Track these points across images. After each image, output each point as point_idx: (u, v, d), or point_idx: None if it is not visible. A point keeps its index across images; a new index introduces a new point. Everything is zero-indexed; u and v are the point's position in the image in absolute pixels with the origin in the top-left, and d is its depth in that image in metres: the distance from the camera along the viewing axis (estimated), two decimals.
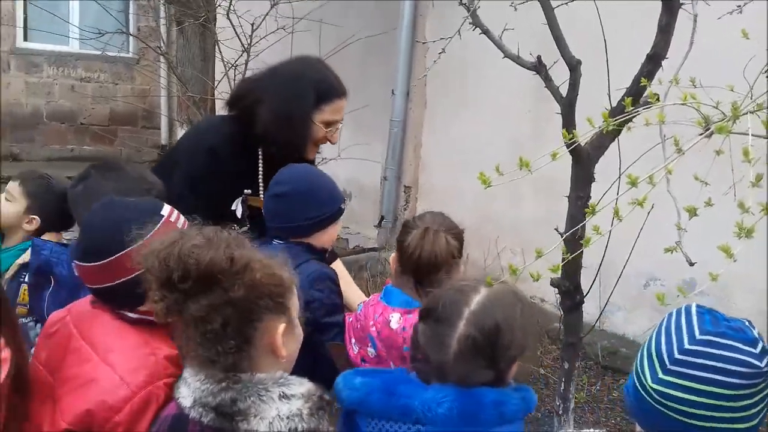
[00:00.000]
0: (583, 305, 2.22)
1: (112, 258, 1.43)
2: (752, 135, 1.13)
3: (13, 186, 2.34)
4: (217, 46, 4.84)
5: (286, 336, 1.27)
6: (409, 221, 1.96)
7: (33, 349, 1.63)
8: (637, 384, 1.26)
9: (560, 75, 2.04)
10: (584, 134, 1.60)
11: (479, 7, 2.07)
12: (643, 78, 1.78)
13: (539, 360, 3.74)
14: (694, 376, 1.19)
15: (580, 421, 3.41)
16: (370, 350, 1.93)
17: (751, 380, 1.18)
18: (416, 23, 5.16)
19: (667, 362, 1.21)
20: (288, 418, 1.17)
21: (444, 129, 5.13)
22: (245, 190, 2.41)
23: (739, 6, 1.85)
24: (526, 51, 2.08)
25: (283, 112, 2.29)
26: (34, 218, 2.33)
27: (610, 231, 1.36)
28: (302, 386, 1.23)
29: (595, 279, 2.49)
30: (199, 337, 1.21)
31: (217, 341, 1.20)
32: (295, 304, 1.32)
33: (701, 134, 1.30)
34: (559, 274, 1.70)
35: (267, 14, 4.47)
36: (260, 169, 2.42)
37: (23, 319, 2.13)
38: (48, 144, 8.68)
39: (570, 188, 2.06)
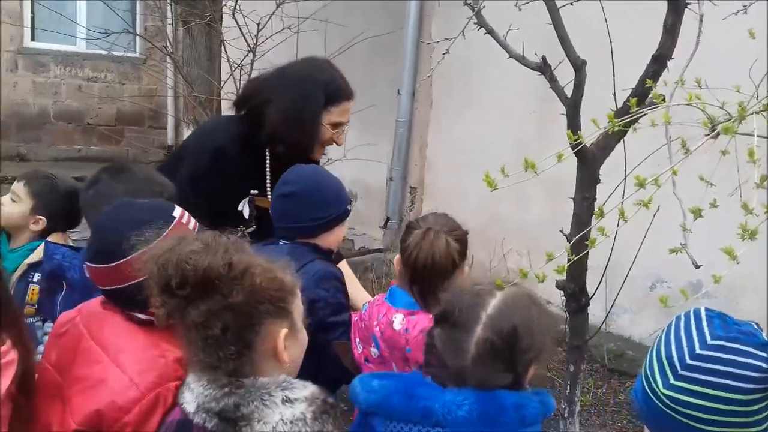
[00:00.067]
0: (589, 307, 2.21)
1: (122, 260, 1.44)
2: (757, 136, 1.13)
3: (18, 187, 2.35)
4: (222, 46, 4.85)
5: (288, 340, 1.26)
6: (411, 222, 1.95)
7: (40, 347, 1.64)
8: (647, 389, 1.26)
9: (565, 75, 2.03)
10: (589, 135, 1.60)
11: (484, 6, 2.07)
12: (648, 79, 1.77)
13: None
14: (706, 382, 1.18)
15: (586, 424, 3.40)
16: (374, 350, 1.93)
17: (763, 384, 1.18)
18: (422, 23, 5.16)
19: (678, 368, 1.21)
20: (291, 422, 1.16)
21: (449, 129, 5.13)
22: (252, 191, 2.42)
23: (744, 6, 1.84)
24: (531, 51, 2.07)
25: (292, 113, 2.29)
26: (40, 218, 2.34)
27: (616, 232, 1.35)
28: (306, 390, 1.22)
29: (601, 281, 2.48)
30: (200, 343, 1.21)
31: (217, 346, 1.19)
32: (298, 307, 1.31)
33: (707, 135, 1.29)
34: (563, 275, 1.69)
35: (273, 14, 4.48)
36: (267, 169, 2.43)
37: (31, 319, 2.14)
38: (55, 144, 8.72)
39: (575, 189, 2.06)
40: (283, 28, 4.48)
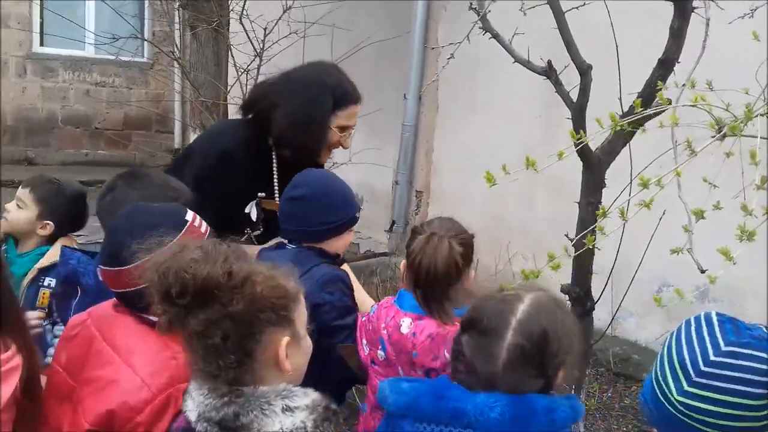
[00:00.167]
0: (595, 311, 2.21)
1: (135, 263, 1.45)
2: (761, 138, 1.13)
3: (24, 193, 2.37)
4: (229, 51, 4.88)
5: (291, 348, 1.25)
6: (417, 227, 1.95)
7: (51, 349, 1.65)
8: (659, 394, 1.26)
9: (571, 80, 2.04)
10: (593, 135, 1.60)
11: (490, 11, 2.07)
12: (659, 81, 1.76)
13: None
14: (720, 388, 1.19)
15: (591, 429, 3.39)
16: (380, 353, 1.93)
17: None
18: (428, 27, 5.17)
19: (692, 374, 1.21)
20: (292, 431, 1.16)
21: (455, 133, 5.13)
22: (259, 194, 2.43)
23: (751, 9, 1.83)
24: (537, 55, 2.07)
25: (300, 117, 2.30)
26: (48, 223, 2.36)
27: (622, 234, 1.35)
28: (306, 398, 1.21)
29: (606, 284, 2.48)
30: (201, 351, 1.20)
31: (218, 355, 1.19)
32: (301, 315, 1.29)
33: (714, 136, 1.29)
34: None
35: (279, 19, 4.50)
36: (275, 172, 2.44)
37: (41, 323, 2.16)
38: (63, 148, 8.78)
39: (581, 194, 2.06)
40: (290, 33, 4.50)
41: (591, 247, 1.39)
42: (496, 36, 2.09)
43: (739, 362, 1.19)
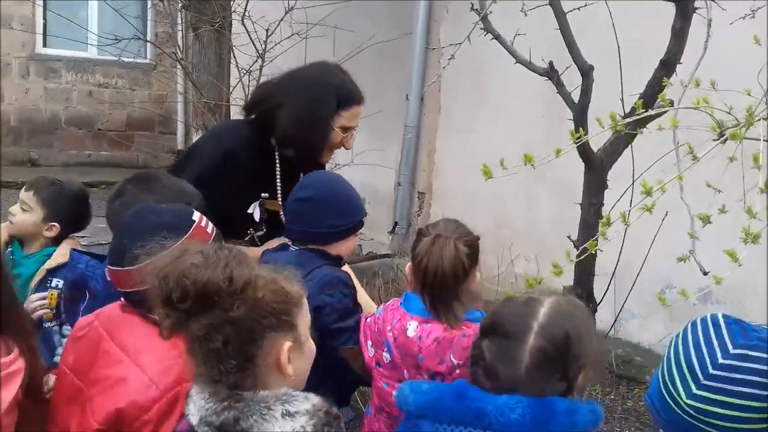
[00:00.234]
0: (597, 313, 2.21)
1: (142, 264, 1.45)
2: (764, 140, 1.13)
3: (27, 196, 2.38)
4: (232, 52, 4.88)
5: (293, 353, 1.24)
6: (422, 229, 1.94)
7: (59, 349, 1.66)
8: (667, 396, 1.26)
9: (573, 80, 2.03)
10: (594, 135, 1.60)
11: (491, 12, 2.07)
12: (664, 78, 1.76)
13: None
14: (729, 391, 1.20)
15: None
16: (386, 355, 1.92)
17: None
18: (430, 28, 5.16)
19: (701, 377, 1.22)
20: None
21: (457, 134, 5.12)
22: (262, 194, 2.43)
23: (752, 10, 1.83)
24: (538, 56, 2.07)
25: (304, 117, 2.31)
26: (54, 225, 2.38)
27: (624, 237, 1.35)
28: (307, 402, 1.20)
29: (609, 286, 2.48)
30: (202, 356, 1.20)
31: (219, 360, 1.18)
32: (304, 319, 1.28)
33: (715, 140, 1.29)
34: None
35: (281, 20, 4.50)
36: (278, 172, 2.44)
37: (48, 324, 2.17)
38: (66, 149, 8.78)
39: (582, 195, 2.06)
40: (292, 34, 4.50)
41: (593, 252, 1.39)
42: (497, 37, 2.09)
43: (748, 365, 1.20)
